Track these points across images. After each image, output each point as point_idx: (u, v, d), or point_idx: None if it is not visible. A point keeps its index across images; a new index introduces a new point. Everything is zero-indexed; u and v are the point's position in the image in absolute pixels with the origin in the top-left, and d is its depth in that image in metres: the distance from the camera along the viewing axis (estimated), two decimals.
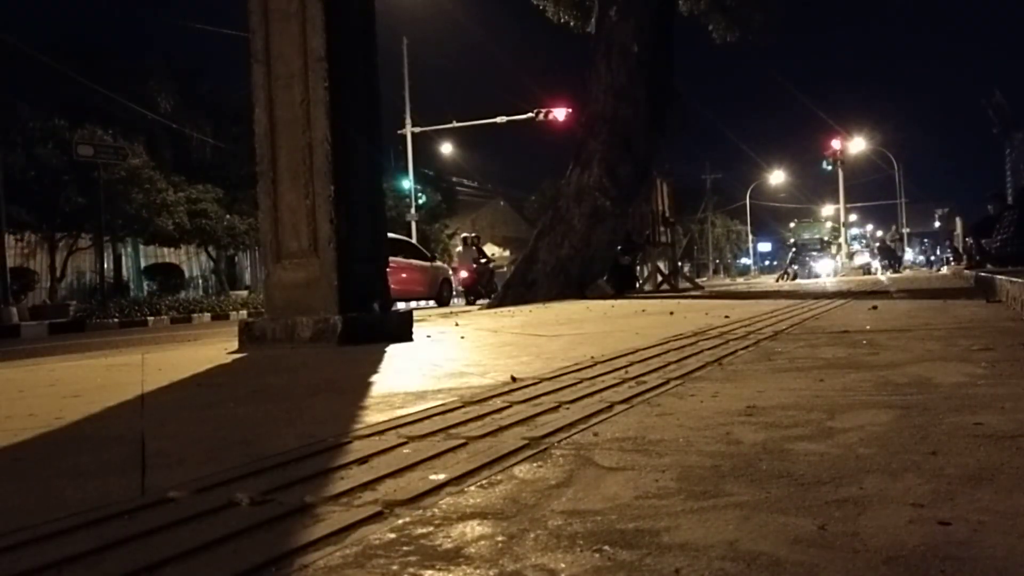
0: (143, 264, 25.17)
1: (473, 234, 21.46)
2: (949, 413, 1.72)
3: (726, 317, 5.27)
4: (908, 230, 32.16)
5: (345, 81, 4.72)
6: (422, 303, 18.23)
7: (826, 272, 31.15)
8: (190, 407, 2.42)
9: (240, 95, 20.97)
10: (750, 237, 68.09)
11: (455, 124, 31.33)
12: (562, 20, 14.27)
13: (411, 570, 0.94)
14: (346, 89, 4.73)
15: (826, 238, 40.82)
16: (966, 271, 12.73)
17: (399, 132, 29.35)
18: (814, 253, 33.24)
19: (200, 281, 26.98)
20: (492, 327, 5.63)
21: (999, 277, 5.91)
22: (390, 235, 11.58)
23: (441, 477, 1.35)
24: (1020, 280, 4.60)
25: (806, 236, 44.00)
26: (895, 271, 27.02)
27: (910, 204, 51.72)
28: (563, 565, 0.93)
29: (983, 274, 7.79)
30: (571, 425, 1.77)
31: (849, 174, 40.38)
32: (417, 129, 29.83)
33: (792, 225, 60.92)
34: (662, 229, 18.20)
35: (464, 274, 19.03)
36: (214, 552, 1.03)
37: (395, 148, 29.85)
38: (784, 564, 0.90)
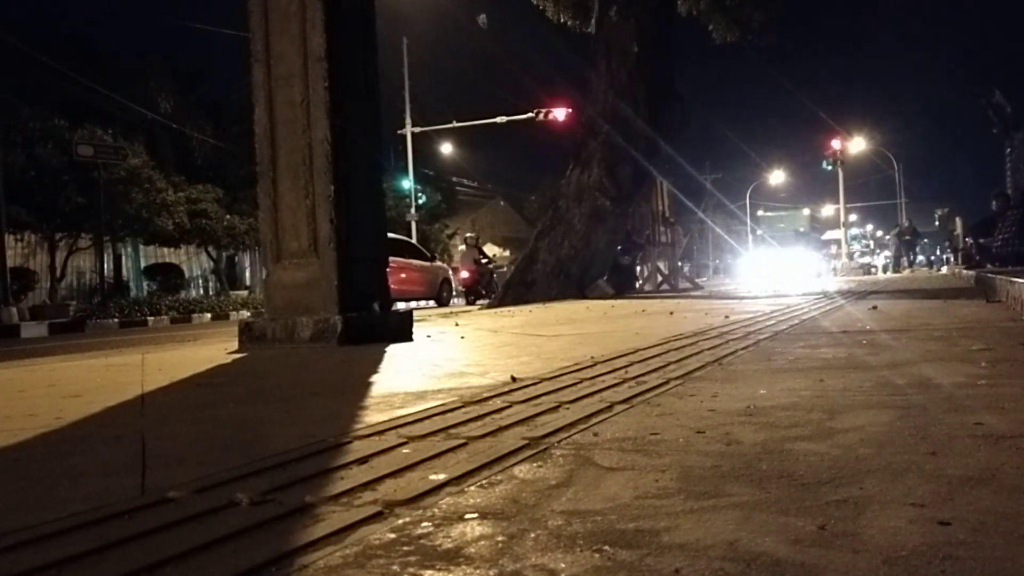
0: (143, 264, 25.15)
1: (473, 235, 21.46)
2: (949, 413, 1.72)
3: (726, 317, 5.27)
4: (897, 229, 31.34)
5: (345, 81, 4.72)
6: (422, 303, 18.23)
7: (817, 272, 27.06)
8: (190, 407, 2.42)
9: (240, 95, 20.95)
10: (750, 237, 67.67)
11: (455, 124, 31.31)
12: (562, 20, 14.27)
13: (411, 570, 0.94)
14: (346, 89, 4.73)
15: (801, 229, 34.54)
16: (965, 271, 12.73)
17: (399, 132, 29.33)
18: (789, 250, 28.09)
19: (200, 281, 26.97)
20: (492, 327, 5.63)
21: (999, 277, 5.91)
22: (390, 235, 11.58)
23: (441, 477, 1.35)
24: (1020, 280, 4.60)
25: (781, 226, 37.04)
26: (895, 270, 26.68)
27: (910, 204, 51.05)
28: (563, 565, 0.93)
29: (983, 274, 7.79)
30: (571, 425, 1.77)
31: (849, 174, 39.21)
32: (417, 129, 29.81)
33: (759, 214, 48.32)
34: (662, 229, 18.22)
35: (464, 274, 19.02)
36: (214, 552, 1.03)
37: (395, 148, 29.83)
38: (784, 564, 0.90)
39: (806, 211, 46.37)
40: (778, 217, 44.01)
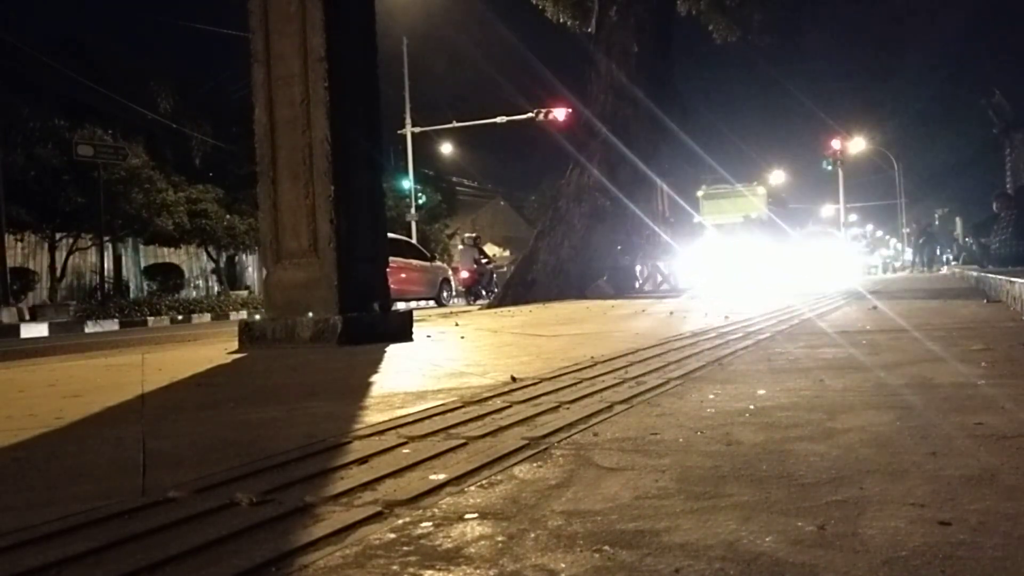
0: (143, 264, 25.14)
1: (474, 234, 21.47)
2: (949, 413, 1.72)
3: (725, 317, 5.27)
4: (908, 230, 30.98)
5: (345, 81, 4.72)
6: (422, 303, 18.23)
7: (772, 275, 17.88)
8: (190, 407, 2.42)
9: (240, 95, 20.96)
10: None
11: (455, 124, 31.30)
12: (562, 20, 14.27)
13: (411, 570, 0.94)
14: (346, 89, 4.73)
15: (753, 215, 24.75)
16: (966, 271, 12.73)
17: (399, 132, 29.33)
18: (738, 243, 19.60)
19: (200, 281, 26.97)
20: (492, 327, 5.63)
21: (999, 277, 5.91)
22: (390, 235, 11.57)
23: (441, 477, 1.35)
24: (1020, 280, 4.61)
25: (728, 210, 26.40)
26: (922, 269, 26.34)
27: (910, 204, 50.75)
28: (563, 565, 0.93)
29: (983, 274, 7.79)
30: (571, 425, 1.77)
31: (849, 174, 38.50)
32: (417, 129, 29.81)
33: (699, 194, 32.21)
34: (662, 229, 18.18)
35: (464, 274, 19.02)
36: (214, 552, 1.03)
37: (395, 148, 29.84)
38: (784, 564, 0.90)
39: (761, 189, 33.08)
40: (723, 198, 30.26)
